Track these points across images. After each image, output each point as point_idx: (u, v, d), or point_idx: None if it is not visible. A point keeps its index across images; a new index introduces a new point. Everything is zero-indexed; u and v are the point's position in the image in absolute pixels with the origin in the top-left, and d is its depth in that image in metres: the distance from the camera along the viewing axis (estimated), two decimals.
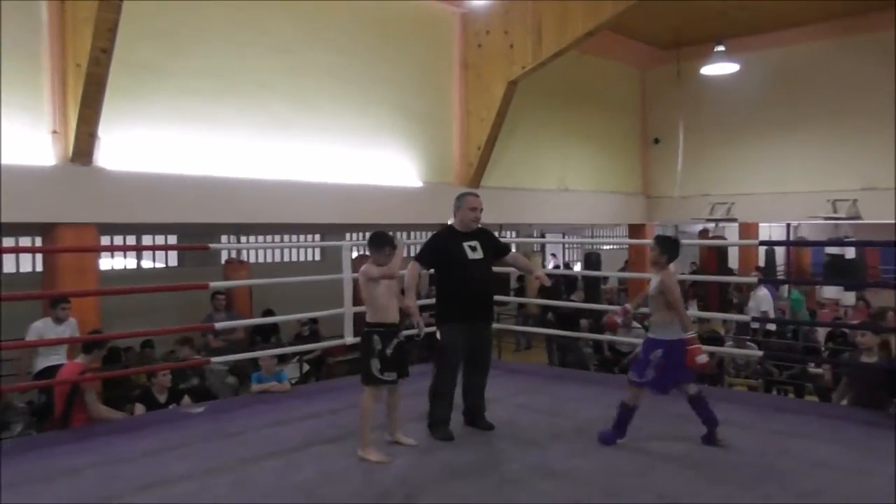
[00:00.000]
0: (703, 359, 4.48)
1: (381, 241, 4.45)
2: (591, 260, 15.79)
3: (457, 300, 4.82)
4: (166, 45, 8.32)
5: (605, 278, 15.56)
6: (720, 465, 4.33)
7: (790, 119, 14.05)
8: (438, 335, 4.86)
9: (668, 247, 4.60)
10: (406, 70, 10.89)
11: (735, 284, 14.75)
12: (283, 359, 8.03)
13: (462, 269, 4.83)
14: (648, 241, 16.29)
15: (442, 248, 4.89)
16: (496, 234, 5.17)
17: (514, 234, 15.56)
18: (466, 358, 4.92)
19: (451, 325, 4.82)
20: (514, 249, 5.37)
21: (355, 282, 5.08)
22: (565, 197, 14.02)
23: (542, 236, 17.99)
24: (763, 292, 10.92)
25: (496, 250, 5.04)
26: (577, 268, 19.44)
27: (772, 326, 10.46)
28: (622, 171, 15.72)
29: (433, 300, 5.05)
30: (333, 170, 9.96)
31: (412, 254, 5.29)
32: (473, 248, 4.89)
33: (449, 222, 5.13)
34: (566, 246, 20.01)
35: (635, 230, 16.27)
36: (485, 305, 4.94)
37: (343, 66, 10.05)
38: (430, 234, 5.20)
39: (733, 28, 13.76)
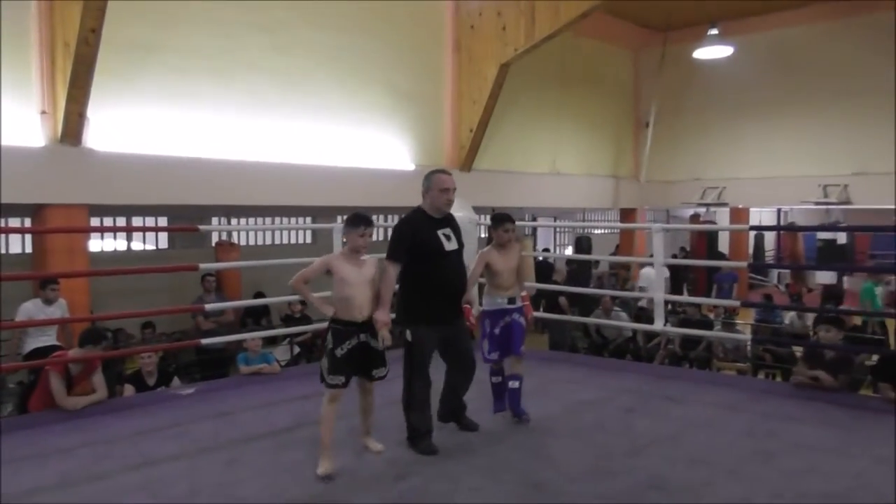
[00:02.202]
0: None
1: (356, 220, 4.02)
2: (582, 244, 15.81)
3: (430, 298, 4.28)
4: (156, 24, 8.26)
5: (596, 262, 15.63)
6: (706, 447, 4.40)
7: (783, 102, 14.06)
8: (408, 336, 4.30)
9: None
10: (398, 51, 10.85)
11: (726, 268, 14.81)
12: (273, 341, 8.06)
13: (438, 261, 4.28)
14: (641, 225, 16.24)
15: (415, 236, 4.27)
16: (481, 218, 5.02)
17: None
18: (445, 356, 4.48)
19: (422, 327, 4.29)
20: None
21: None
22: (557, 180, 14.04)
23: (534, 220, 18.04)
24: (648, 271, 11.12)
25: (460, 243, 4.47)
26: (568, 251, 19.51)
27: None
28: (614, 154, 15.73)
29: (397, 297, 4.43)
30: (325, 152, 9.94)
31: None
32: (448, 237, 4.35)
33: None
34: (557, 229, 20.04)
35: (627, 214, 16.36)
36: (456, 302, 4.43)
37: (334, 47, 10.01)
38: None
39: (727, 10, 13.75)
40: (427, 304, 4.30)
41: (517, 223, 5.06)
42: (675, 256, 15.36)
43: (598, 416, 5.07)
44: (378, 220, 17.27)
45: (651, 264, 7.98)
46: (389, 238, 4.31)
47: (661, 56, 15.15)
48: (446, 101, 11.66)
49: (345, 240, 4.11)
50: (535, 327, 13.97)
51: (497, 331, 4.77)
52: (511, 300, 4.79)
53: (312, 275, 4.07)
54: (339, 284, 3.99)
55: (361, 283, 4.02)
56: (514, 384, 4.87)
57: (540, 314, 8.67)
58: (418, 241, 4.27)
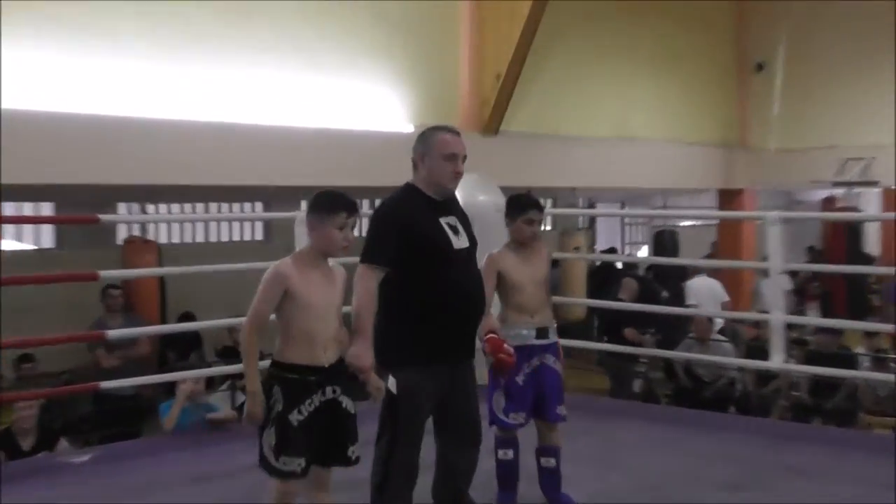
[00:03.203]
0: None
1: (330, 202, 3.86)
2: (664, 241, 15.78)
3: (430, 324, 4.18)
4: None
5: (685, 268, 15.55)
6: None
7: None
8: (392, 387, 4.16)
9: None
10: None
11: (876, 278, 14.71)
12: (208, 384, 8.07)
13: (442, 266, 4.19)
14: (749, 213, 16.13)
15: (410, 226, 4.18)
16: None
17: (549, 201, 15.51)
18: (440, 419, 4.36)
19: (415, 370, 4.16)
20: (549, 226, 5.23)
21: None
22: (626, 150, 13.99)
23: (591, 207, 17.95)
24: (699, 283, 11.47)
25: (472, 238, 4.39)
26: (643, 253, 19.43)
27: None
28: (710, 112, 15.67)
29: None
30: (283, 109, 9.95)
31: None
32: (454, 230, 4.27)
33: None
34: (626, 220, 19.97)
35: (729, 198, 16.20)
36: (470, 332, 4.34)
37: None
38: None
39: None
40: (424, 333, 4.19)
41: (566, 210, 5.04)
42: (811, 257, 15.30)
43: (686, 496, 5.02)
44: (361, 207, 17.27)
45: (764, 272, 7.92)
46: (367, 231, 4.24)
47: None
48: (462, 35, 11.65)
49: (311, 235, 3.90)
50: (594, 362, 13.94)
51: (520, 379, 4.70)
52: (541, 332, 4.78)
53: (269, 310, 3.82)
54: (299, 311, 3.81)
55: (329, 305, 3.88)
56: (549, 462, 4.80)
57: (584, 344, 8.60)
58: (412, 235, 4.17)
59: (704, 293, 11.71)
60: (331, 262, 3.93)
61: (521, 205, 4.79)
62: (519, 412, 4.70)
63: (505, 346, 4.56)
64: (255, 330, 3.79)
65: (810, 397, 9.41)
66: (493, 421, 4.72)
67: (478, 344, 4.47)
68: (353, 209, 3.86)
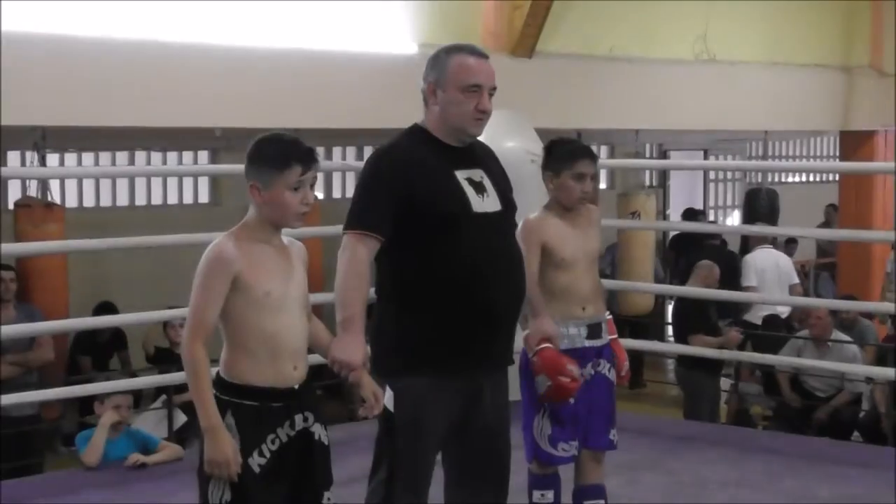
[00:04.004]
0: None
1: (279, 151, 3.80)
2: (760, 203, 15.72)
3: (444, 316, 4.19)
4: None
5: (792, 241, 15.55)
6: None
7: None
8: (389, 404, 4.20)
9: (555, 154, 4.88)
10: None
11: None
12: (134, 401, 8.11)
13: (460, 236, 4.17)
14: (882, 165, 16.20)
15: (412, 182, 4.19)
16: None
17: (603, 149, 15.58)
18: (454, 458, 4.37)
19: (422, 382, 4.18)
20: (604, 184, 5.17)
21: None
22: (710, 76, 13.97)
23: (663, 157, 17.94)
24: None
25: (507, 199, 4.38)
26: (734, 220, 19.39)
27: None
28: (828, 23, 15.64)
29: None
30: (241, 23, 9.95)
31: None
32: (479, 187, 4.26)
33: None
34: (710, 175, 19.92)
35: (855, 145, 16.20)
36: (503, 328, 4.34)
37: None
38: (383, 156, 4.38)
39: None
40: (436, 330, 4.18)
41: (627, 162, 5.00)
42: None
43: None
44: (341, 155, 17.22)
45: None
46: (355, 189, 4.26)
47: None
48: None
49: (256, 200, 3.83)
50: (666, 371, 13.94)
51: (572, 398, 4.70)
52: (594, 330, 4.80)
53: (216, 311, 3.73)
54: (253, 309, 3.74)
55: (293, 296, 3.84)
56: None
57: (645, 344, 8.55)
58: (419, 195, 4.15)
59: (770, 272, 11.83)
60: (284, 238, 3.89)
61: (567, 154, 4.77)
62: (570, 441, 4.72)
63: (568, 366, 4.59)
64: (200, 342, 3.69)
65: None
66: (535, 454, 4.74)
67: (518, 345, 4.47)
68: (309, 160, 3.79)
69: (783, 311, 11.42)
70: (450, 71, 4.18)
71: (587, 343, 4.73)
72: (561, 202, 4.78)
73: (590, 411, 4.72)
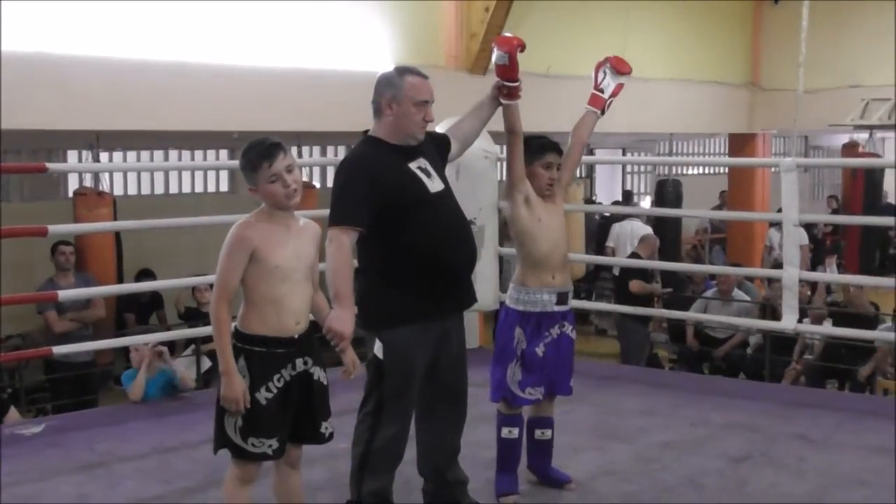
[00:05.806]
0: None
1: (256, 152, 3.82)
2: (667, 191, 15.79)
3: (419, 276, 4.21)
4: None
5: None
6: None
7: None
8: (379, 352, 4.23)
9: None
10: None
11: None
12: (169, 349, 8.10)
13: (423, 212, 4.22)
14: (762, 160, 16.14)
15: (378, 178, 4.17)
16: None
17: None
18: (423, 390, 4.35)
19: (406, 331, 4.21)
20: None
21: None
22: (628, 90, 13.77)
23: (589, 154, 17.92)
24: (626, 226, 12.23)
25: (442, 157, 4.47)
26: (646, 203, 19.45)
27: None
28: (720, 49, 15.65)
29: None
30: (253, 46, 9.89)
31: None
32: (427, 173, 4.30)
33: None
34: (627, 168, 19.95)
35: (740, 144, 16.22)
36: (464, 278, 4.40)
37: None
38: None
39: None
40: (414, 287, 4.21)
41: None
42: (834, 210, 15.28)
43: (690, 469, 5.06)
44: (333, 152, 16.89)
45: (777, 224, 7.94)
46: (333, 191, 4.20)
47: None
48: None
49: (254, 195, 3.87)
50: (593, 327, 14.00)
51: (540, 350, 4.61)
52: (561, 298, 4.66)
53: (237, 278, 3.79)
54: (265, 276, 3.78)
55: (299, 267, 3.85)
56: (543, 434, 4.79)
57: (595, 305, 8.62)
58: (386, 188, 4.16)
59: (624, 235, 12.41)
60: (302, 220, 3.92)
61: (539, 147, 4.68)
62: (537, 387, 4.60)
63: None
64: (224, 302, 3.75)
65: (825, 361, 9.45)
66: (504, 396, 4.61)
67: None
68: (273, 153, 3.78)
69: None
70: (405, 89, 4.21)
71: (556, 308, 4.59)
72: (534, 188, 4.60)
73: (556, 365, 4.60)
